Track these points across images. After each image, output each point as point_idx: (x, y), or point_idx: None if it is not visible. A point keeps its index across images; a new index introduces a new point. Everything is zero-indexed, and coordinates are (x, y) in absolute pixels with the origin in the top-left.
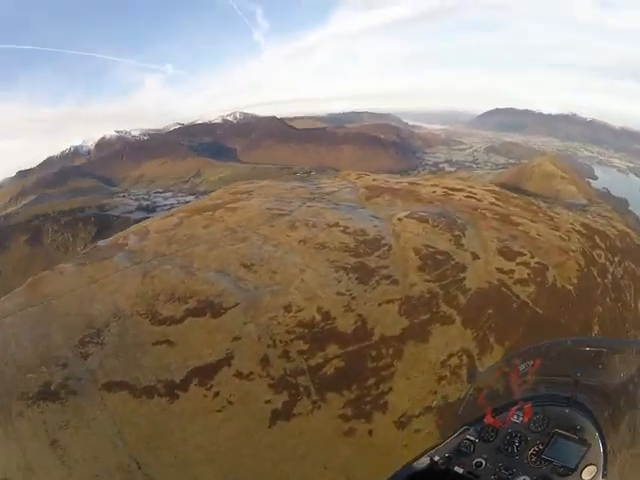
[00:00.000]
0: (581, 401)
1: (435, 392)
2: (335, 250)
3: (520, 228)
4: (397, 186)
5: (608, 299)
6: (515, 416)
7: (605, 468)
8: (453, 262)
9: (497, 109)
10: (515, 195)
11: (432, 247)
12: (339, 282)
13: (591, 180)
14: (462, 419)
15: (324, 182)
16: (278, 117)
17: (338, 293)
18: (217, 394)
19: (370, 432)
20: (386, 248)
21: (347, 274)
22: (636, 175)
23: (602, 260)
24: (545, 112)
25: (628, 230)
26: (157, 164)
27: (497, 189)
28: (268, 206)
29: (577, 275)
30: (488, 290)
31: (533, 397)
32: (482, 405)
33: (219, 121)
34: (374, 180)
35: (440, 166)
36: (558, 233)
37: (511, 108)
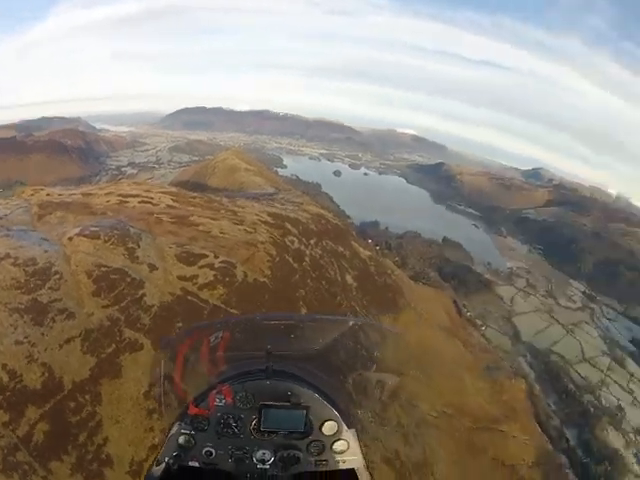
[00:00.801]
0: (283, 370)
1: (152, 428)
2: (7, 289)
3: (200, 228)
4: (70, 199)
5: (309, 280)
6: (217, 400)
7: (348, 419)
8: (129, 279)
9: (186, 108)
10: (194, 194)
11: (105, 266)
12: (15, 329)
13: (280, 169)
14: (168, 417)
15: None
16: None
17: (17, 342)
18: None
19: None
20: (57, 276)
21: (22, 317)
22: (329, 160)
23: (296, 245)
24: (236, 109)
25: (322, 212)
26: None
27: (174, 190)
28: None
29: (269, 266)
30: (173, 302)
31: (230, 377)
32: (181, 397)
33: None
34: (48, 195)
35: (123, 169)
36: (243, 227)
37: (201, 107)
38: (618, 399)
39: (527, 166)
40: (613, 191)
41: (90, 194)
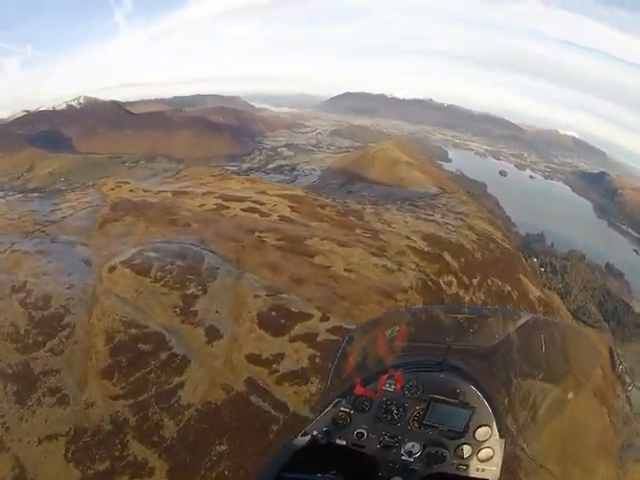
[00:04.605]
0: (456, 365)
1: None
2: (3, 339)
3: (317, 261)
4: (155, 199)
5: None
6: (387, 384)
7: (501, 429)
8: (166, 355)
9: (348, 93)
10: (325, 200)
11: (137, 326)
12: None
13: (444, 163)
14: (332, 391)
15: (70, 197)
16: (120, 101)
17: None
18: None
19: None
20: (66, 333)
21: (5, 386)
22: (494, 157)
23: (454, 289)
24: (400, 97)
25: (490, 229)
26: None
27: (299, 193)
28: None
29: None
30: (223, 404)
31: (403, 364)
32: (350, 375)
33: (63, 107)
34: (131, 191)
35: (279, 150)
36: (382, 260)
37: (363, 92)
38: None
39: None
40: None
41: (185, 192)
